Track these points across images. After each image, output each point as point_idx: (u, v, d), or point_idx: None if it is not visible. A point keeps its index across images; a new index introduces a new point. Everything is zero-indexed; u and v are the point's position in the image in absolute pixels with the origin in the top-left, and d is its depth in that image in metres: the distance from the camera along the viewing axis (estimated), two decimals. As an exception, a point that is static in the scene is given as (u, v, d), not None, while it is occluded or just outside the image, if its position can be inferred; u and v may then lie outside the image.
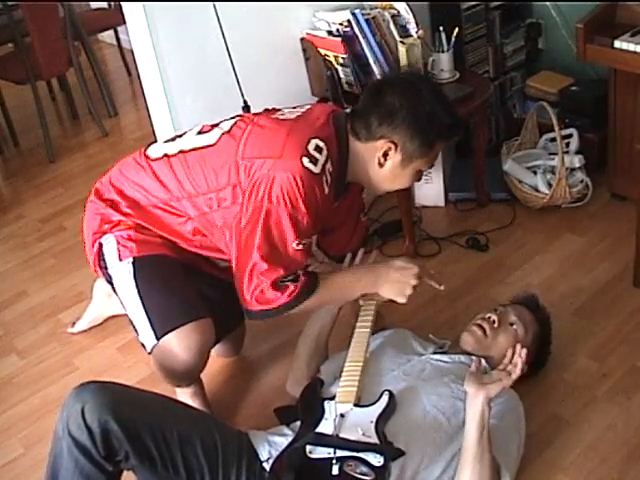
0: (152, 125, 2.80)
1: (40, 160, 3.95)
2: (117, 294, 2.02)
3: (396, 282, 1.95)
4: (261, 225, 1.79)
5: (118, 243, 1.97)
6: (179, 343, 1.87)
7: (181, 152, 1.97)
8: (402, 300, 1.97)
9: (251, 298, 1.86)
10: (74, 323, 2.64)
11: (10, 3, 3.81)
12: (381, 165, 1.90)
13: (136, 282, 1.93)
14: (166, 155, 1.99)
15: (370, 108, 1.88)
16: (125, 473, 1.72)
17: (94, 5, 5.13)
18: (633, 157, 2.73)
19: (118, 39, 4.93)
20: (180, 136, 2.05)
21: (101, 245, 2.01)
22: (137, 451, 1.63)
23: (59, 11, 3.90)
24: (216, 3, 2.47)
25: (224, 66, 2.51)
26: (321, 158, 1.81)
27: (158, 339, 1.89)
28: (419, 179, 2.01)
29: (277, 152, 1.80)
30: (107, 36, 5.21)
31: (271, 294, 1.85)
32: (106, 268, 2.01)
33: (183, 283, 1.98)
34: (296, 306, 1.88)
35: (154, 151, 2.03)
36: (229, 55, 2.51)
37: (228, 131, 1.94)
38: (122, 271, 1.96)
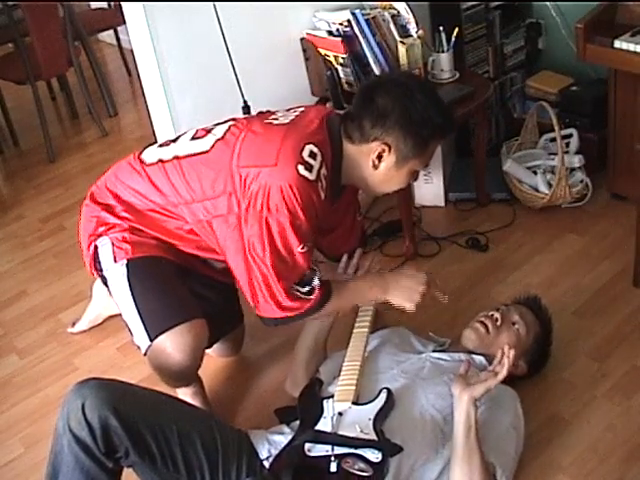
0: (152, 125, 2.80)
1: (40, 160, 3.95)
2: (112, 296, 2.02)
3: (406, 289, 1.99)
4: (265, 235, 1.79)
5: (113, 245, 1.97)
6: (172, 344, 1.87)
7: (176, 158, 1.96)
8: (411, 306, 2.00)
9: (266, 306, 1.88)
10: (74, 323, 2.64)
11: (10, 3, 3.80)
12: (375, 167, 1.90)
13: (130, 284, 1.93)
14: (161, 160, 1.98)
15: (362, 111, 1.88)
16: (125, 472, 1.72)
17: (94, 5, 5.13)
18: (633, 157, 2.73)
19: (118, 39, 4.93)
20: (174, 141, 2.04)
21: (96, 247, 2.01)
22: (137, 447, 1.63)
23: (59, 11, 3.90)
24: (216, 3, 2.47)
25: (224, 66, 2.51)
26: (316, 164, 1.81)
27: (152, 340, 1.89)
28: (415, 179, 2.01)
29: (272, 160, 1.79)
30: (107, 36, 5.20)
31: (287, 304, 1.86)
32: (101, 270, 2.01)
33: (176, 284, 1.98)
34: (310, 315, 1.92)
35: (149, 156, 2.03)
36: (229, 55, 2.51)
37: (222, 137, 1.93)
38: (116, 273, 1.96)
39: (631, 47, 2.48)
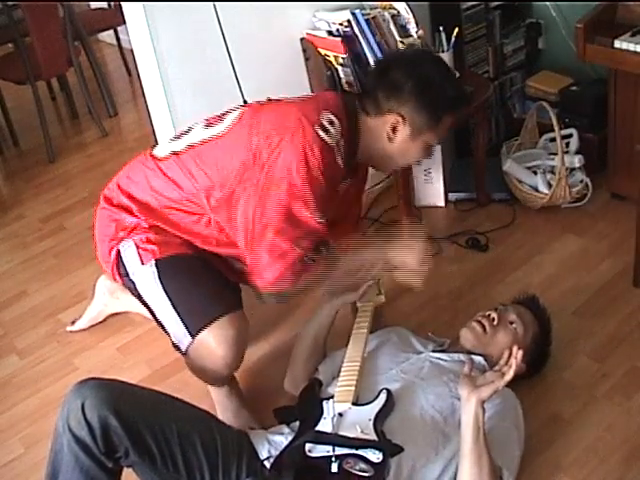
0: (152, 125, 2.80)
1: (40, 160, 3.95)
2: (143, 300, 1.98)
3: (406, 245, 1.97)
4: (283, 198, 1.79)
5: (138, 247, 1.94)
6: (215, 338, 1.85)
7: (190, 147, 1.95)
8: (419, 265, 1.96)
9: (272, 278, 1.86)
10: (74, 322, 2.64)
11: (10, 3, 3.80)
12: (390, 139, 1.92)
13: (162, 284, 1.91)
14: (174, 153, 1.97)
15: (377, 84, 1.92)
16: (125, 472, 1.72)
17: (94, 5, 5.13)
18: (633, 157, 2.73)
19: (118, 39, 4.93)
20: (186, 132, 2.03)
21: (119, 252, 1.97)
22: (137, 447, 1.63)
23: (59, 11, 3.90)
24: (216, 3, 2.47)
25: (224, 66, 2.51)
26: (333, 130, 1.85)
27: (193, 337, 1.87)
28: (429, 155, 2.03)
29: (292, 124, 1.82)
30: (107, 36, 5.21)
31: (292, 273, 1.84)
32: (127, 275, 1.97)
33: (209, 277, 1.96)
34: (317, 283, 1.91)
35: (161, 151, 2.01)
36: (229, 55, 2.51)
37: (238, 120, 1.93)
38: (146, 275, 1.93)
39: (631, 47, 2.48)
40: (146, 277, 1.93)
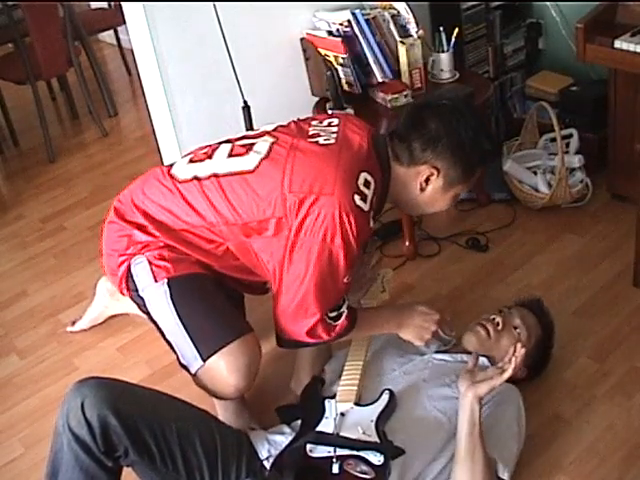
0: (152, 125, 2.80)
1: (40, 160, 3.95)
2: (151, 317, 1.95)
3: (418, 327, 2.01)
4: (314, 263, 1.78)
5: (151, 264, 1.90)
6: (227, 365, 1.84)
7: (214, 176, 1.89)
8: (420, 343, 2.03)
9: (294, 329, 1.87)
10: (74, 322, 2.64)
11: (10, 3, 3.80)
12: (422, 190, 1.90)
13: (174, 304, 1.88)
14: (196, 178, 1.91)
15: (412, 132, 1.87)
16: (125, 471, 1.72)
17: (94, 5, 5.13)
18: (633, 157, 2.73)
19: (118, 39, 4.93)
20: (209, 156, 1.95)
21: (129, 266, 1.94)
22: (136, 447, 1.63)
23: (59, 11, 3.90)
24: (216, 3, 2.47)
25: (224, 66, 2.51)
26: (369, 193, 1.81)
27: (204, 361, 1.85)
28: (455, 203, 2.02)
29: (329, 189, 1.76)
30: (107, 36, 5.21)
31: (318, 331, 1.87)
32: (136, 290, 1.94)
33: (221, 300, 1.94)
34: (332, 342, 1.95)
35: (181, 171, 1.95)
36: (229, 55, 2.51)
37: (267, 156, 1.87)
38: (157, 293, 1.90)
39: (631, 47, 2.48)
40: (157, 296, 1.90)
